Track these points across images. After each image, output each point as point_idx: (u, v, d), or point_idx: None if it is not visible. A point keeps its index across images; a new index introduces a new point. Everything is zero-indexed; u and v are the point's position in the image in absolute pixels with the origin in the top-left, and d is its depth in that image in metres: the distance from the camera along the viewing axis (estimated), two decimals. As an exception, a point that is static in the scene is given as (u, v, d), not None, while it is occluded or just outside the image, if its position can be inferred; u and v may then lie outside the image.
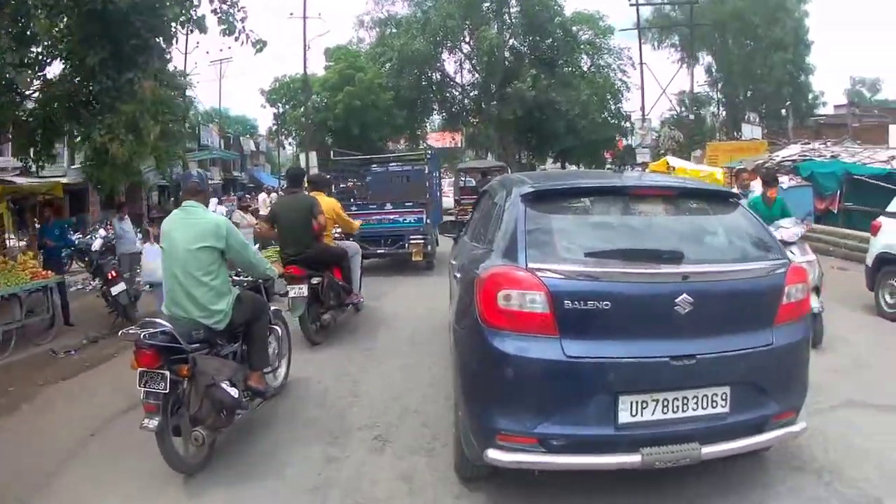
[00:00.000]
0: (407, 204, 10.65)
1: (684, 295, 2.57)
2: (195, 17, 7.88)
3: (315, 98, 35.33)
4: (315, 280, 5.90)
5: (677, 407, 2.73)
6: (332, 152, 16.52)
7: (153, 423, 3.35)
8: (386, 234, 10.49)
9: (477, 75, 35.86)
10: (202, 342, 3.65)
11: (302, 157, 29.76)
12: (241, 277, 4.37)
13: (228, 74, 73.32)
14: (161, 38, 7.78)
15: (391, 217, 10.60)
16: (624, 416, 2.67)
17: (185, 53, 28.27)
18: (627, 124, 36.24)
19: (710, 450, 2.75)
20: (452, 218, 9.35)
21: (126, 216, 10.05)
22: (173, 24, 7.77)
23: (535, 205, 2.92)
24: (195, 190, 3.96)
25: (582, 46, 33.76)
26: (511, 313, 2.59)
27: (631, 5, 30.02)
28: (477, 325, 2.68)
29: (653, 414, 2.69)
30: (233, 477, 3.49)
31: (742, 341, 2.78)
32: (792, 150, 16.47)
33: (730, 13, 33.66)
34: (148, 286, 7.79)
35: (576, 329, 2.59)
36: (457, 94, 38.24)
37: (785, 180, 11.74)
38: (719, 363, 2.70)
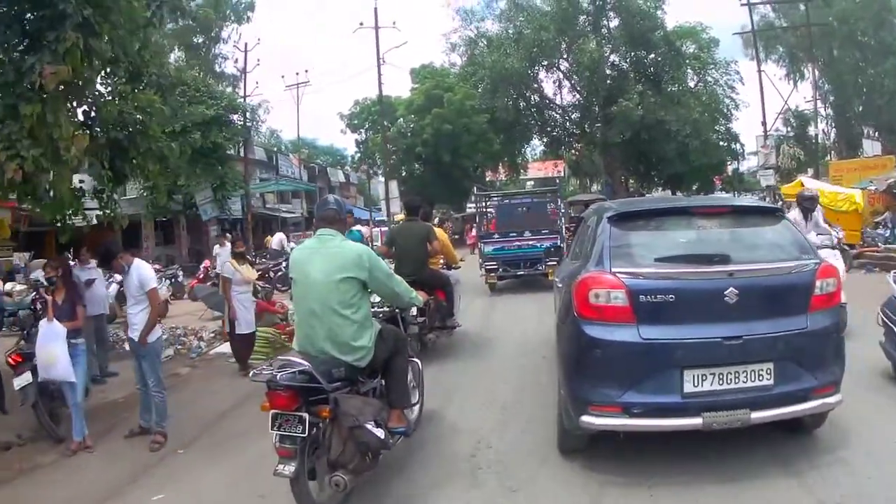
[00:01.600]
0: (543, 231, 12.87)
1: (731, 288, 3.42)
2: None
3: (401, 122, 34.24)
4: (424, 300, 6.52)
5: (730, 379, 3.59)
6: (475, 188, 19.05)
7: (289, 469, 3.25)
8: (525, 258, 12.55)
9: (577, 95, 34.14)
10: (342, 380, 3.56)
11: (386, 186, 29.35)
12: (375, 308, 4.31)
13: (305, 101, 72.47)
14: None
15: (530, 243, 12.70)
16: (688, 387, 3.56)
17: (244, 72, 28.04)
18: (737, 146, 34.17)
19: (758, 415, 3.58)
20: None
21: (91, 262, 7.62)
22: None
23: (618, 224, 3.97)
24: (332, 218, 3.81)
25: (687, 61, 31.62)
26: (599, 307, 3.53)
27: (742, 5, 28.44)
28: (574, 318, 3.64)
29: (711, 385, 3.57)
30: None
31: (781, 325, 3.63)
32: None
33: (837, 15, 31.16)
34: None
35: (649, 317, 3.56)
36: (557, 116, 36.53)
37: None
38: (762, 343, 3.57)
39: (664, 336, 3.56)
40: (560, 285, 4.61)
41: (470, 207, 34.20)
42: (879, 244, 14.18)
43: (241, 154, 25.57)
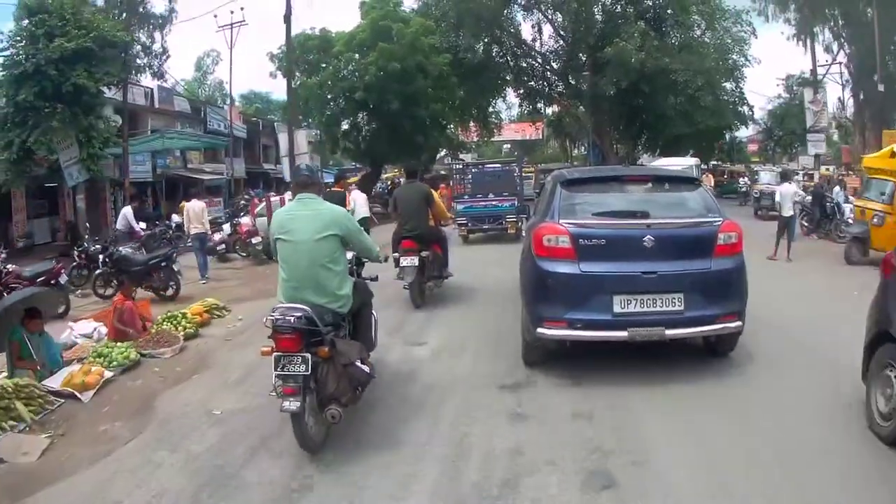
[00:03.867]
0: (504, 194, 16.49)
1: (648, 236, 4.87)
2: None
3: (337, 62, 27.53)
4: (424, 253, 8.09)
5: (649, 304, 5.27)
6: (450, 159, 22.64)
7: (294, 404, 3.80)
8: (490, 215, 16.34)
9: (561, 41, 31.47)
10: (331, 325, 4.21)
11: (291, 138, 21.71)
12: None
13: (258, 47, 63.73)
14: None
15: (494, 203, 16.34)
16: (617, 308, 5.23)
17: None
18: (746, 108, 32.08)
19: (671, 332, 5.23)
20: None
21: None
22: None
23: (567, 188, 5.74)
24: (306, 182, 4.50)
25: (693, 6, 28.09)
26: (550, 248, 5.20)
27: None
28: (531, 257, 5.32)
29: (634, 307, 5.26)
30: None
31: (688, 265, 5.31)
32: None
33: None
34: None
35: (586, 256, 5.22)
36: (536, 63, 33.02)
37: None
38: (673, 277, 5.25)
39: (598, 269, 5.14)
40: (524, 234, 5.95)
41: (439, 169, 34.07)
42: None
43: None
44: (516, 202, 16.27)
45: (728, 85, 29.55)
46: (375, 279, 5.47)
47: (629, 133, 32.81)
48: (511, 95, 35.75)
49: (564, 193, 5.59)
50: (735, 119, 31.65)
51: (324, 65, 27.61)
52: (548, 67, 32.45)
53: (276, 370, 3.83)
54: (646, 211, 5.39)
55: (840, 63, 32.11)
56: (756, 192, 22.24)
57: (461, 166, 19.75)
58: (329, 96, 27.59)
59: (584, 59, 29.31)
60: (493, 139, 41.74)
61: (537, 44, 31.95)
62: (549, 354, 5.63)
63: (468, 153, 42.05)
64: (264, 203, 16.35)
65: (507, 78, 32.48)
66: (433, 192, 8.81)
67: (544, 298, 5.30)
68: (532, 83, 32.87)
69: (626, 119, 30.81)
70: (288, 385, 3.81)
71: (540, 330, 5.27)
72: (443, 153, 39.82)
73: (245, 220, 16.65)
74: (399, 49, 25.39)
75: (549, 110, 37.67)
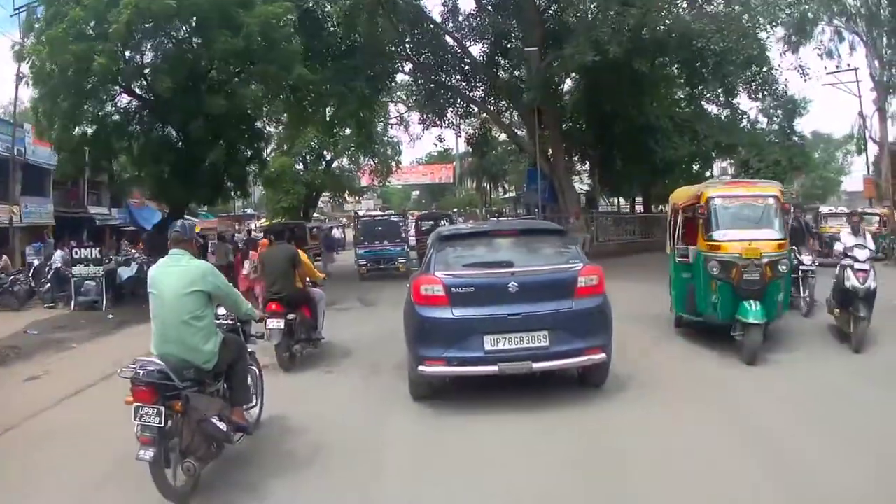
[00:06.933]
0: (395, 240, 20.65)
1: (512, 282, 5.61)
2: None
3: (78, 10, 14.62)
4: (291, 316, 7.95)
5: (517, 341, 5.99)
6: (354, 212, 24.06)
7: (149, 454, 3.98)
8: (384, 257, 20.27)
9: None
10: (191, 381, 4.37)
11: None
12: (221, 321, 5.09)
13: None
14: None
15: (387, 247, 20.37)
16: (488, 346, 5.95)
17: None
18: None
19: (538, 365, 5.97)
20: (414, 253, 18.61)
21: None
22: None
23: (443, 243, 6.49)
24: (179, 238, 4.69)
25: None
26: (427, 296, 5.95)
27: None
28: (412, 303, 5.99)
29: (503, 345, 5.96)
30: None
31: (551, 306, 6.00)
32: None
33: None
34: None
35: (458, 302, 6.00)
36: (448, 41, 23.08)
37: None
38: (537, 317, 5.97)
39: (469, 314, 5.90)
40: (408, 285, 6.64)
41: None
42: None
43: None
44: (406, 247, 20.82)
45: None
46: (262, 337, 5.77)
47: (601, 151, 24.89)
48: (400, 102, 29.26)
49: (440, 247, 6.37)
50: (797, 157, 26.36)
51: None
52: (465, 56, 22.97)
53: (134, 419, 4.03)
54: (510, 261, 6.14)
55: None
56: None
57: (355, 215, 23.04)
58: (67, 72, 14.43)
59: (524, 32, 20.67)
60: (389, 181, 38.71)
61: (449, 23, 22.93)
62: (434, 390, 6.29)
63: (359, 199, 40.92)
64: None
65: (401, 67, 23.15)
66: (301, 252, 8.66)
67: (424, 340, 5.98)
68: (441, 77, 23.19)
69: (596, 126, 23.12)
70: (144, 435, 4.02)
71: (421, 368, 5.93)
72: (325, 198, 38.12)
73: None
74: None
75: (463, 127, 27.80)
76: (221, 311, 5.15)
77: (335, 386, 7.40)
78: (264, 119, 22.71)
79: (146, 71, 16.40)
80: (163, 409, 4.05)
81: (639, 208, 34.23)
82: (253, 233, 27.77)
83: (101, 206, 30.75)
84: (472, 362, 5.86)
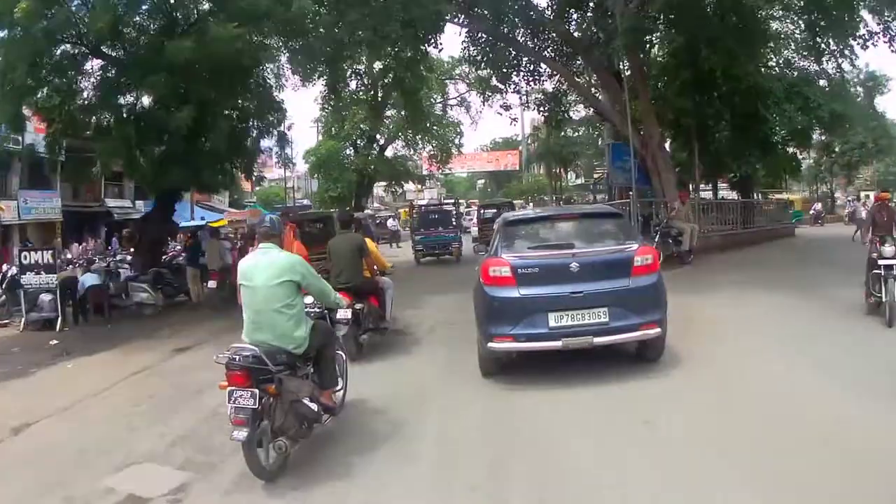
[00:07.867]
0: (449, 227, 22.55)
1: (574, 263, 6.06)
2: None
3: None
4: (358, 306, 7.90)
5: (578, 318, 6.42)
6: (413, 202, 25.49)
7: (242, 434, 4.22)
8: (439, 243, 22.36)
9: None
10: (283, 365, 4.63)
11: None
12: (309, 309, 5.37)
13: None
14: None
15: (442, 233, 22.29)
16: (552, 322, 6.41)
17: None
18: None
19: (599, 340, 6.43)
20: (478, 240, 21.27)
21: None
22: None
23: (508, 227, 6.99)
24: (267, 233, 4.98)
25: None
26: (495, 277, 6.36)
27: None
28: (481, 285, 6.49)
29: (566, 321, 6.44)
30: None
31: (610, 284, 6.39)
32: None
33: None
34: None
35: (524, 282, 6.44)
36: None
37: None
38: (597, 295, 6.39)
39: (534, 293, 6.34)
40: (476, 268, 7.12)
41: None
42: None
43: None
44: (458, 233, 22.83)
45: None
46: (347, 323, 6.25)
47: (699, 122, 18.94)
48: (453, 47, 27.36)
49: (505, 232, 6.90)
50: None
51: None
52: (529, 10, 18.48)
53: (228, 402, 4.28)
54: (571, 242, 6.61)
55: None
56: None
57: (410, 206, 27.11)
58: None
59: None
60: (450, 168, 36.69)
61: None
62: (502, 366, 6.76)
63: (422, 187, 38.52)
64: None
65: (449, 17, 17.42)
66: (368, 241, 8.64)
67: (493, 318, 6.46)
68: (504, 30, 18.86)
69: (691, 90, 18.24)
70: (238, 416, 4.26)
71: (490, 344, 6.42)
72: (382, 186, 35.04)
73: None
74: None
75: (526, 88, 21.98)
76: (309, 299, 5.43)
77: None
78: (271, 78, 16.52)
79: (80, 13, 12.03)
80: (257, 391, 4.31)
81: (721, 193, 27.00)
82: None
83: (122, 198, 27.06)
84: (538, 338, 6.31)
